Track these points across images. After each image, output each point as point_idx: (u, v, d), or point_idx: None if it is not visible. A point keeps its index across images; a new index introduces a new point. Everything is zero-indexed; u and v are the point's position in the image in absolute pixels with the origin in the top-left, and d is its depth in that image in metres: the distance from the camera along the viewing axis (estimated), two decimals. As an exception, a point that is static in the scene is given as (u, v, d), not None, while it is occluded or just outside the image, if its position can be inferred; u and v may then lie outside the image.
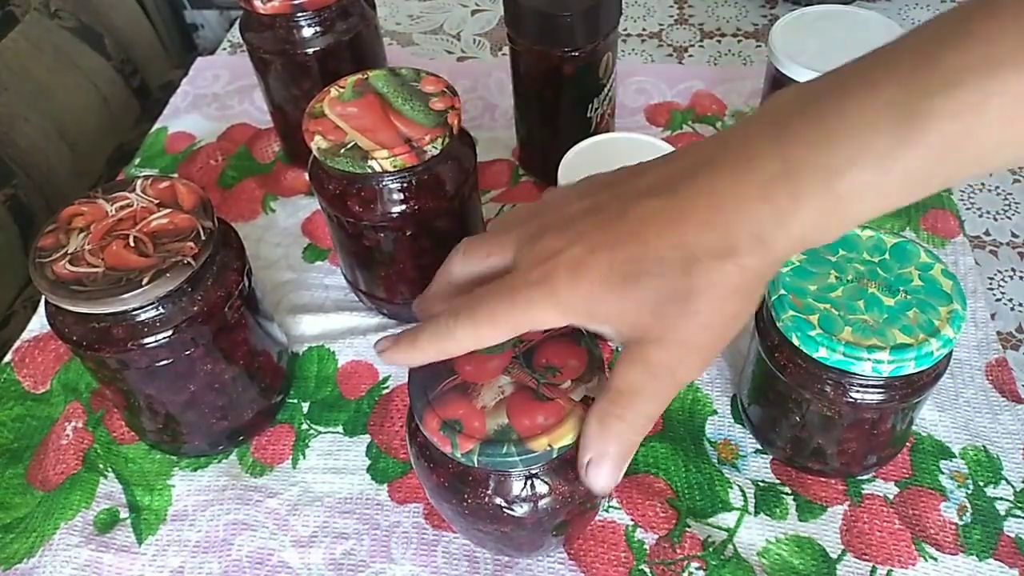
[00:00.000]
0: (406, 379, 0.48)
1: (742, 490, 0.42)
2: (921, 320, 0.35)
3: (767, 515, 0.41)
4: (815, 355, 0.35)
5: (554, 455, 0.30)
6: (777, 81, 0.48)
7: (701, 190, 0.26)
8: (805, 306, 0.36)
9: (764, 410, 0.42)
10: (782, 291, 0.37)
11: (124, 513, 0.43)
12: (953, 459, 0.42)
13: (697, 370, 0.28)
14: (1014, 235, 0.55)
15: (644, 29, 0.75)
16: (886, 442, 0.40)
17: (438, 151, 0.41)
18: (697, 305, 0.26)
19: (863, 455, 0.40)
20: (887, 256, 0.38)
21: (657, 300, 0.26)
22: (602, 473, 0.29)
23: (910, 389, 0.36)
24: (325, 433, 0.46)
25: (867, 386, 0.36)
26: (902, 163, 0.23)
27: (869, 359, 0.34)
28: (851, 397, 0.36)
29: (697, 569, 0.39)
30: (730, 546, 0.40)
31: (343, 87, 0.45)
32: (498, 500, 0.33)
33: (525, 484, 0.32)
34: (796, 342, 0.36)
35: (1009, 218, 0.56)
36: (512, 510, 0.33)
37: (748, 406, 0.43)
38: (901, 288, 0.37)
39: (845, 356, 0.34)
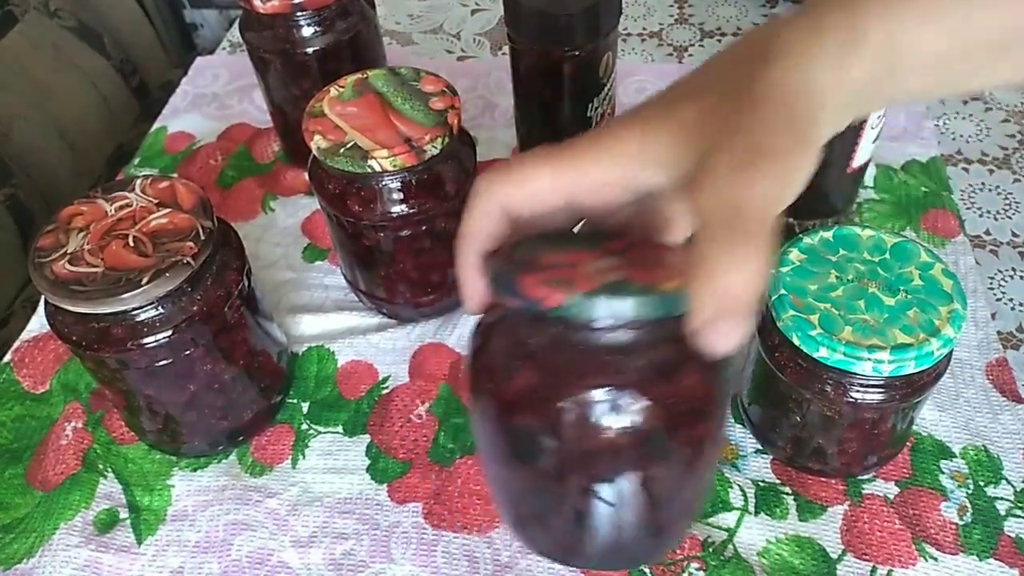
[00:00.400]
0: (406, 378, 0.48)
1: (742, 490, 0.42)
2: (921, 320, 0.35)
3: (767, 515, 0.41)
4: (815, 355, 0.35)
5: (683, 304, 0.23)
6: (777, 80, 0.48)
7: (746, 36, 0.26)
8: (805, 306, 0.36)
9: (764, 410, 0.42)
10: (782, 291, 0.37)
11: (124, 513, 0.43)
12: (953, 459, 0.42)
13: (775, 180, 0.23)
14: (1014, 235, 0.55)
15: (644, 28, 0.75)
16: (886, 442, 0.40)
17: (438, 151, 0.41)
18: (747, 105, 0.23)
19: (863, 455, 0.40)
20: (887, 256, 0.38)
21: (712, 105, 0.24)
22: (718, 334, 0.23)
23: (910, 389, 0.36)
24: (325, 433, 0.46)
25: (867, 386, 0.36)
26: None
27: (869, 359, 0.34)
28: (851, 397, 0.36)
29: (697, 569, 0.39)
30: (730, 546, 0.40)
31: (343, 87, 0.45)
32: (589, 410, 0.24)
33: (613, 402, 0.24)
34: (796, 342, 0.35)
35: (1009, 218, 0.56)
36: (601, 423, 0.24)
37: (748, 406, 0.43)
38: (901, 288, 0.37)
39: (845, 356, 0.34)
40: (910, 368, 0.34)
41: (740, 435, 0.44)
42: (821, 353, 0.35)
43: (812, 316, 0.36)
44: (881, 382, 0.35)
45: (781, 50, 0.24)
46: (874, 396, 0.36)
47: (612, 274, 0.24)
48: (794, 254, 0.38)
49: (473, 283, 0.27)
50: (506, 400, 0.26)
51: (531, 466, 0.27)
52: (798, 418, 0.39)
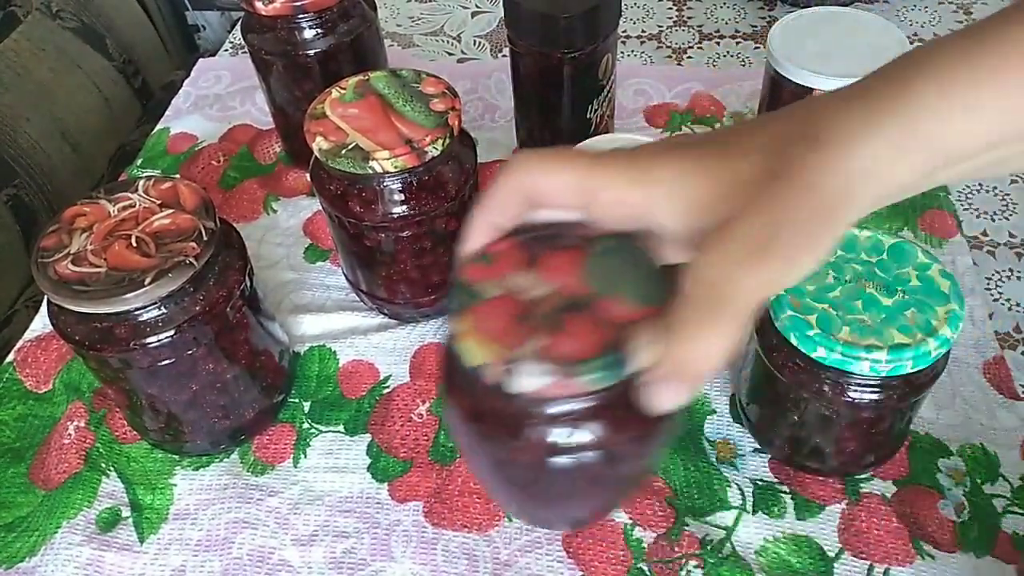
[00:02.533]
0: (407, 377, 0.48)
1: (740, 489, 0.42)
2: (919, 320, 0.35)
3: (765, 514, 0.41)
4: (813, 355, 0.35)
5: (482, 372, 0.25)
6: (775, 83, 0.48)
7: (796, 107, 0.26)
8: (803, 306, 0.36)
9: (762, 409, 0.42)
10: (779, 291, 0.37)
11: (126, 512, 0.43)
12: (951, 457, 0.42)
13: (781, 271, 0.24)
14: (1011, 235, 0.55)
15: (643, 31, 0.75)
16: (884, 441, 0.40)
17: (439, 152, 0.42)
18: (780, 185, 0.24)
19: (861, 454, 0.41)
20: (885, 256, 0.38)
21: (743, 177, 0.24)
22: (666, 396, 0.24)
23: (908, 388, 0.36)
24: (326, 432, 0.46)
25: (865, 386, 0.36)
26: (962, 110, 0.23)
27: (867, 359, 0.34)
28: (849, 397, 0.36)
29: (695, 567, 0.39)
30: (728, 544, 0.40)
31: (344, 88, 0.45)
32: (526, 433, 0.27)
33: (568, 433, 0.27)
34: (794, 342, 0.36)
35: (1007, 219, 0.56)
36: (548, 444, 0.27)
37: (747, 405, 0.43)
38: (899, 288, 0.37)
39: (843, 356, 0.35)
40: (907, 368, 0.35)
41: (738, 434, 0.44)
42: (819, 353, 0.35)
43: (810, 316, 0.36)
44: (878, 382, 0.36)
45: (832, 140, 0.24)
46: (871, 396, 0.36)
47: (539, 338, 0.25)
48: (792, 254, 0.39)
49: (471, 248, 0.28)
50: (474, 419, 0.28)
51: (498, 460, 0.29)
52: (796, 417, 0.39)
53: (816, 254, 0.24)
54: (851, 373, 0.35)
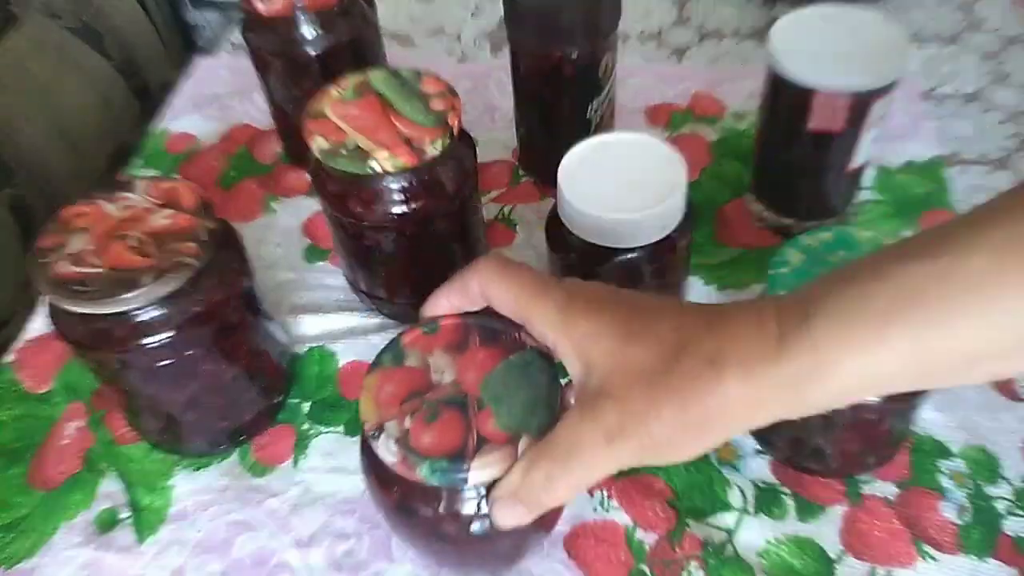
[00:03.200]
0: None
1: (742, 490, 0.42)
2: (920, 320, 0.35)
3: (766, 515, 0.41)
4: (814, 355, 0.35)
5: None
6: (776, 81, 0.48)
7: (711, 308, 0.28)
8: (804, 306, 0.36)
9: (764, 410, 0.42)
10: (781, 292, 0.37)
11: (125, 513, 0.43)
12: (952, 459, 0.42)
13: (635, 455, 0.27)
14: (1013, 236, 0.55)
15: (644, 30, 0.75)
16: (885, 442, 0.40)
17: (438, 152, 0.42)
18: (666, 391, 0.26)
19: (862, 455, 0.40)
20: (886, 257, 0.38)
21: (637, 365, 0.27)
22: (508, 516, 0.29)
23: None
24: (326, 433, 0.46)
25: (866, 386, 0.36)
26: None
27: (868, 359, 0.34)
28: (850, 397, 0.36)
29: (697, 569, 0.39)
30: (730, 546, 0.40)
31: (344, 87, 0.45)
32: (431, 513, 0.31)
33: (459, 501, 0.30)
34: (795, 342, 0.36)
35: (1008, 219, 0.56)
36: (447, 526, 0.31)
37: (748, 406, 0.43)
38: (900, 288, 0.37)
39: (844, 356, 0.34)
40: (909, 368, 0.34)
41: (739, 436, 0.44)
42: (820, 353, 0.35)
43: (811, 317, 0.36)
44: (880, 382, 0.36)
45: (728, 365, 0.25)
46: (873, 397, 0.36)
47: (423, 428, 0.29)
48: (793, 254, 0.39)
49: (428, 314, 0.33)
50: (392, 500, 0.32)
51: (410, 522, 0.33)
52: (797, 419, 0.39)
53: (679, 454, 0.27)
54: (853, 374, 0.35)
